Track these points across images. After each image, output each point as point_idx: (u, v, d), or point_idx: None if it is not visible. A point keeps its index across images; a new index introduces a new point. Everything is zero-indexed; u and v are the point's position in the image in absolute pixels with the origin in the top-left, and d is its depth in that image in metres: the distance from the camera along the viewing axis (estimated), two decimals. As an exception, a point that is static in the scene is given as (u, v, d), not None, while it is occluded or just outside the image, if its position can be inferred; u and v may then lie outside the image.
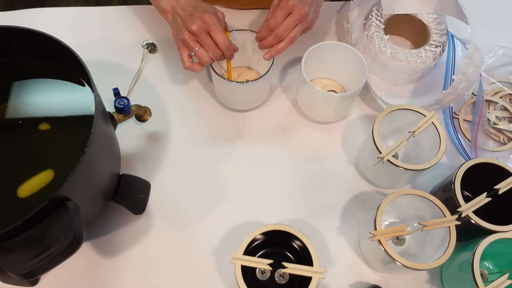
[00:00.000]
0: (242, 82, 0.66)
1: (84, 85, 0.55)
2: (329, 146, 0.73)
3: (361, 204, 0.68)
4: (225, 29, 0.65)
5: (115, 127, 0.61)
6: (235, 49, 0.67)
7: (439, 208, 0.56)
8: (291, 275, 0.58)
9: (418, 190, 0.58)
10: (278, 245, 0.59)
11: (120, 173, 0.63)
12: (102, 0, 1.87)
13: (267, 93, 0.75)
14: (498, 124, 0.74)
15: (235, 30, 0.70)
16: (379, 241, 0.54)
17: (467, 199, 0.56)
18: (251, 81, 0.66)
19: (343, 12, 0.87)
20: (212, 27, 0.62)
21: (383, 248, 0.54)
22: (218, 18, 0.64)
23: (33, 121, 0.54)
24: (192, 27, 0.62)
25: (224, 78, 0.66)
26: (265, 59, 0.66)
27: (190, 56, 0.66)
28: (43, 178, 0.50)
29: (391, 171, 0.62)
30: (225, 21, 0.66)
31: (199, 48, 0.64)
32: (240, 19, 0.83)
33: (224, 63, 0.69)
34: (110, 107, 0.60)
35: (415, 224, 0.62)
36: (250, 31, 0.70)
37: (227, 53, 0.65)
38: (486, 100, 0.76)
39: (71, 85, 0.56)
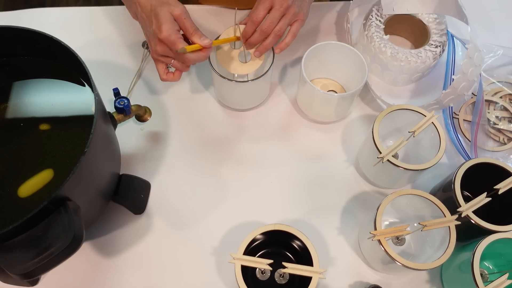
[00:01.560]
0: (242, 82, 0.66)
1: (84, 85, 0.55)
2: (329, 146, 0.73)
3: (361, 204, 0.68)
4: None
5: (115, 127, 0.61)
6: (207, 46, 0.60)
7: (439, 208, 0.56)
8: (291, 275, 0.58)
9: (418, 190, 0.58)
10: (278, 245, 0.59)
11: (120, 173, 0.63)
12: (102, 0, 1.87)
13: (267, 93, 0.75)
14: (498, 124, 0.74)
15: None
16: (379, 241, 0.54)
17: (467, 199, 0.56)
18: (251, 80, 0.66)
19: (343, 12, 0.87)
20: (172, 47, 0.58)
21: (383, 248, 0.54)
22: (179, 19, 0.58)
23: (33, 121, 0.54)
24: (158, 50, 0.60)
25: (224, 78, 0.66)
26: (255, 57, 0.66)
27: (166, 67, 0.64)
28: (43, 177, 0.50)
29: (391, 171, 0.62)
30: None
31: (174, 61, 0.62)
32: (241, 19, 0.83)
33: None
34: (110, 107, 0.60)
35: (415, 224, 0.62)
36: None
37: (198, 61, 0.61)
38: (486, 100, 0.76)
39: (71, 85, 0.56)
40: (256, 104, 0.75)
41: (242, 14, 0.85)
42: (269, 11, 0.63)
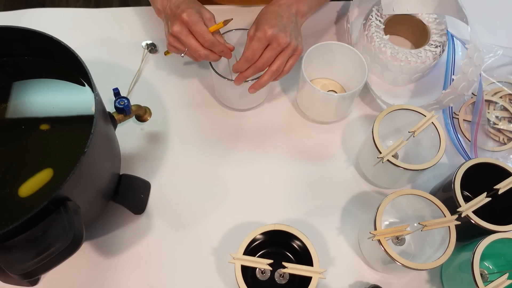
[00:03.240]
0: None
1: (84, 85, 0.55)
2: (329, 146, 0.73)
3: (361, 204, 0.68)
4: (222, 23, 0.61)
5: (115, 127, 0.61)
6: (231, 48, 0.63)
7: (439, 208, 0.57)
8: (291, 275, 0.58)
9: (418, 190, 0.58)
10: (278, 245, 0.59)
11: (120, 173, 0.63)
12: (102, 1, 1.86)
13: (267, 93, 0.75)
14: (498, 124, 0.74)
15: (240, 29, 0.69)
16: (379, 241, 0.54)
17: (467, 199, 0.56)
18: (251, 80, 0.66)
19: (343, 12, 0.87)
20: (192, 27, 0.59)
21: (383, 248, 0.54)
22: (202, 16, 0.61)
23: (33, 121, 0.54)
24: (173, 28, 0.60)
25: (224, 78, 0.66)
26: (250, 93, 0.65)
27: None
28: (43, 177, 0.50)
29: (391, 171, 0.62)
30: (223, 22, 0.62)
31: (187, 50, 0.62)
32: (245, 18, 0.83)
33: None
34: (110, 107, 0.60)
35: (415, 224, 0.62)
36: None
37: (215, 50, 0.61)
38: (486, 100, 0.76)
39: (71, 85, 0.56)
40: (256, 104, 0.75)
41: (247, 12, 0.85)
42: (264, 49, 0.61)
